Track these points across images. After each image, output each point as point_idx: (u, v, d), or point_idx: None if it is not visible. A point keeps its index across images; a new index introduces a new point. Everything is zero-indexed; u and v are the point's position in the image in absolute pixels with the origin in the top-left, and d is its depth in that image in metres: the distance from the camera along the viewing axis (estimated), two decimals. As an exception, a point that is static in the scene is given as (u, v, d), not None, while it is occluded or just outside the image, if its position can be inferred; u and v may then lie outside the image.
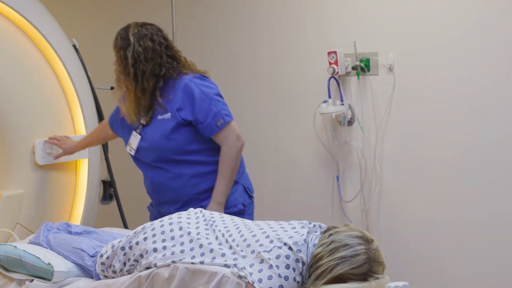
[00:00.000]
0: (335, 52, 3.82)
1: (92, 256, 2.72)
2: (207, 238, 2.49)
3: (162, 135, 3.05)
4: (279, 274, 2.30)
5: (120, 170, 4.02)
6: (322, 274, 2.32)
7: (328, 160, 4.00)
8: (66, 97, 3.56)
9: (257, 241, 2.40)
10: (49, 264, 2.68)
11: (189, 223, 2.57)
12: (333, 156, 3.97)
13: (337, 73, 3.83)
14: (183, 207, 3.08)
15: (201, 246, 2.46)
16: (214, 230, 2.52)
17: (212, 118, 3.03)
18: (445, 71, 3.66)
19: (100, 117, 3.71)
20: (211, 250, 2.43)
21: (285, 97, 4.11)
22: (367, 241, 2.37)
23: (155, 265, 2.46)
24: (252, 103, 4.21)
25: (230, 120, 3.07)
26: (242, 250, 2.40)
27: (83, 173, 3.62)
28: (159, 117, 3.07)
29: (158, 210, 3.22)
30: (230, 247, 2.43)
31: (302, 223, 2.49)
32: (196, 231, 2.52)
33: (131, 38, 3.06)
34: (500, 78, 3.54)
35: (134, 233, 2.61)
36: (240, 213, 3.12)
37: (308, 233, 2.42)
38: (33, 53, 3.45)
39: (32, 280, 2.70)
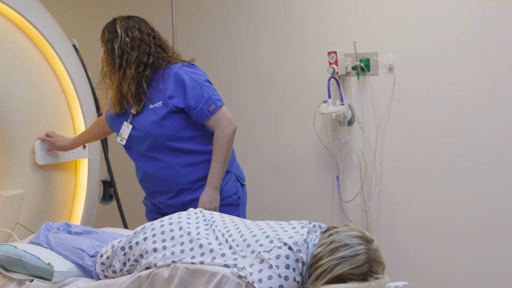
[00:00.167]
0: (335, 52, 3.82)
1: (92, 256, 2.72)
2: (207, 238, 2.49)
3: (154, 122, 3.09)
4: (279, 274, 2.30)
5: (120, 170, 4.02)
6: (322, 274, 2.32)
7: (328, 160, 4.00)
8: (66, 97, 3.56)
9: (257, 241, 2.40)
10: (49, 264, 2.68)
11: (189, 223, 2.57)
12: (333, 156, 3.97)
13: (337, 73, 3.83)
14: (176, 196, 3.14)
15: (201, 246, 2.46)
16: (214, 230, 2.52)
17: (204, 103, 3.08)
18: (445, 71, 3.66)
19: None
20: (211, 250, 2.43)
21: (285, 97, 4.11)
22: (367, 241, 2.37)
23: (155, 265, 2.46)
24: (252, 103, 4.21)
25: (222, 105, 3.12)
26: (242, 250, 2.40)
27: (83, 173, 3.62)
28: (150, 106, 3.11)
29: (151, 201, 3.26)
30: (230, 247, 2.43)
31: (302, 223, 2.49)
32: (196, 231, 2.52)
33: (119, 30, 3.12)
34: (500, 78, 3.54)
35: (134, 233, 2.61)
36: (235, 205, 3.17)
37: (308, 233, 2.42)
38: (33, 53, 3.45)
39: (32, 280, 2.70)
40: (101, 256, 2.65)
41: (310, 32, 4.01)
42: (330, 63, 3.84)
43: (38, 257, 2.71)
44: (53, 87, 3.51)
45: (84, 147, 3.58)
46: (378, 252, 2.38)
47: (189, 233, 2.51)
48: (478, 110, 3.60)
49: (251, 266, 2.32)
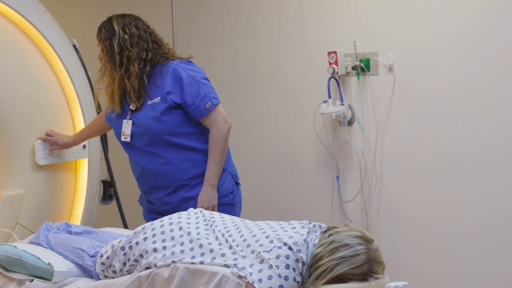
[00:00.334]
0: (335, 52, 3.82)
1: (92, 256, 2.72)
2: (207, 238, 2.49)
3: (154, 118, 3.11)
4: (279, 274, 2.30)
5: (120, 170, 4.01)
6: (322, 274, 2.32)
7: (328, 160, 4.00)
8: (66, 97, 3.56)
9: (257, 241, 2.40)
10: (49, 264, 2.68)
11: (189, 223, 2.57)
12: (333, 156, 3.97)
13: (337, 73, 3.83)
14: (174, 193, 3.16)
15: (201, 246, 2.46)
16: (214, 230, 2.52)
17: (200, 100, 3.11)
18: (445, 71, 3.66)
19: (100, 117, 3.72)
20: (211, 250, 2.43)
21: (285, 97, 4.11)
22: (367, 241, 2.37)
23: (155, 265, 2.46)
24: (252, 103, 4.21)
25: (218, 103, 3.14)
26: (242, 250, 2.40)
27: (83, 173, 3.62)
28: (149, 102, 3.14)
29: (147, 197, 3.26)
30: (230, 247, 2.43)
31: (302, 223, 2.49)
32: (196, 231, 2.52)
33: (116, 28, 3.15)
34: (500, 78, 3.54)
35: (134, 233, 2.61)
36: (231, 204, 3.20)
37: (308, 233, 2.42)
38: (33, 53, 3.45)
39: (32, 280, 2.70)
40: (101, 256, 2.65)
41: (310, 32, 4.01)
42: (330, 63, 3.84)
43: (38, 257, 2.71)
44: (53, 87, 3.51)
45: (84, 147, 3.58)
46: (378, 252, 2.38)
47: (189, 233, 2.51)
48: (478, 110, 3.60)
49: (251, 266, 2.32)
